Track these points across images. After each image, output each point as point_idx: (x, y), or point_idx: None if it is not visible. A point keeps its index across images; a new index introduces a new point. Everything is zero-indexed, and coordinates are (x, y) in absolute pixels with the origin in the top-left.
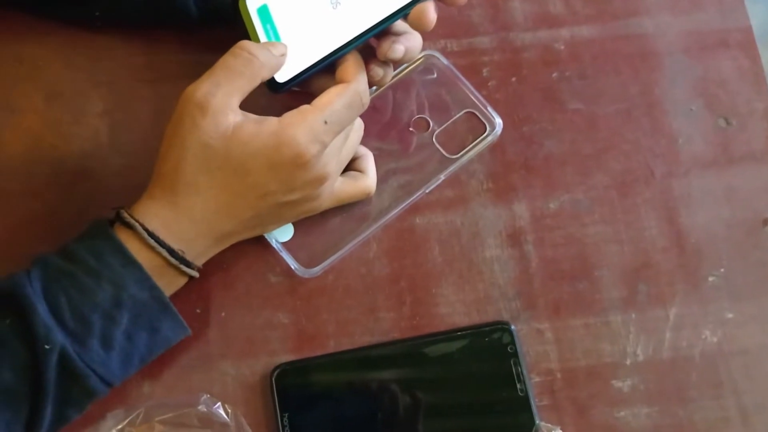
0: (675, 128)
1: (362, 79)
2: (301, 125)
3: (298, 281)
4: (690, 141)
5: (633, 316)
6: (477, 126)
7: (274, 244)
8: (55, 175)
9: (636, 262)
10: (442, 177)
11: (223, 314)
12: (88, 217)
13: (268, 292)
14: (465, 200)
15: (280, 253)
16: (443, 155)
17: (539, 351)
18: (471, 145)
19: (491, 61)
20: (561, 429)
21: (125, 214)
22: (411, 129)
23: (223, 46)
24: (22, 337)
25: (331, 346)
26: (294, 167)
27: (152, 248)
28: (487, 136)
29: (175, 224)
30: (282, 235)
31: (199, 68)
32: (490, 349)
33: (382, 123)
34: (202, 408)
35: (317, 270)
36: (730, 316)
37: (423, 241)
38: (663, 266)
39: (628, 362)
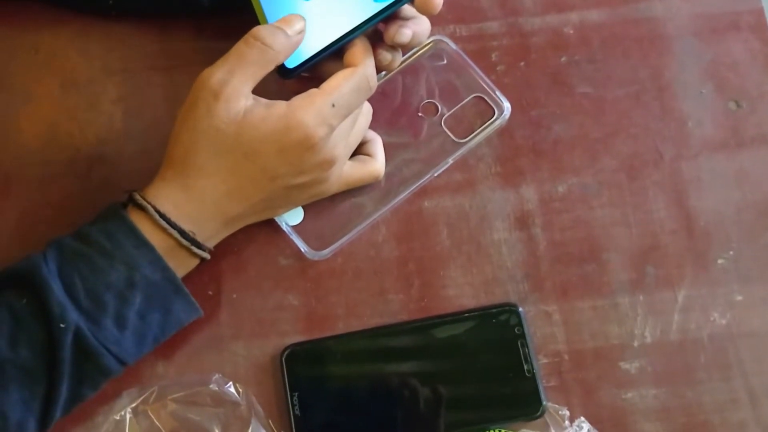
0: (685, 111)
1: (369, 63)
2: (310, 108)
3: (307, 264)
4: (700, 124)
5: (641, 298)
6: (485, 110)
7: (284, 227)
8: (71, 161)
9: (644, 245)
10: (451, 161)
11: (234, 296)
12: (104, 203)
13: (279, 274)
14: (473, 184)
15: (291, 237)
16: (452, 139)
17: (547, 333)
18: (479, 129)
19: (500, 46)
20: (568, 410)
21: (137, 196)
22: (420, 114)
23: (235, 32)
24: (39, 316)
25: (341, 328)
26: (302, 150)
27: (164, 229)
28: (495, 120)
29: (187, 206)
30: (292, 218)
31: (212, 55)
32: (497, 331)
33: (392, 108)
34: (213, 387)
35: (327, 252)
36: (739, 298)
37: (431, 224)
38: (672, 249)
39: (635, 344)
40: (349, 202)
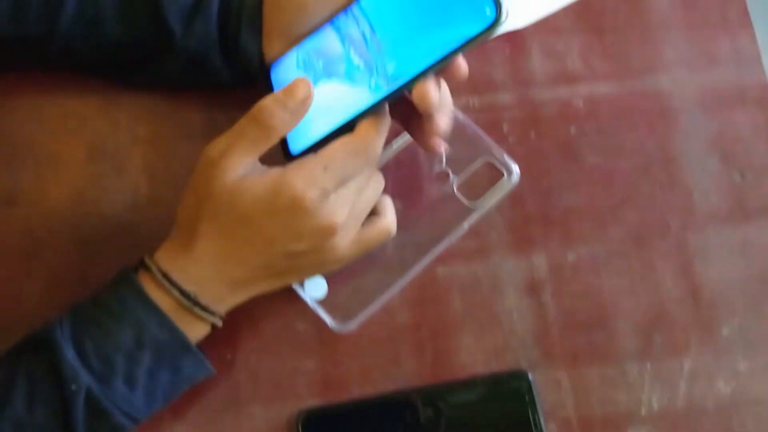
0: (691, 182)
1: (368, 130)
2: (300, 171)
3: (324, 328)
4: (706, 195)
5: (648, 366)
6: (495, 174)
7: (308, 301)
8: (96, 227)
9: (651, 313)
10: (466, 226)
11: (252, 360)
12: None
13: (296, 339)
14: (485, 251)
15: (316, 311)
16: (465, 205)
17: (556, 399)
18: (491, 193)
19: (511, 117)
20: None
21: (146, 258)
22: (433, 181)
23: (252, 102)
24: (52, 379)
25: (355, 392)
26: (293, 213)
27: (166, 290)
28: (505, 183)
29: (189, 267)
30: (315, 291)
31: (229, 125)
32: (508, 397)
33: (405, 175)
34: None
35: (353, 325)
36: (744, 367)
37: (445, 291)
38: (678, 317)
39: (643, 412)
40: (370, 272)
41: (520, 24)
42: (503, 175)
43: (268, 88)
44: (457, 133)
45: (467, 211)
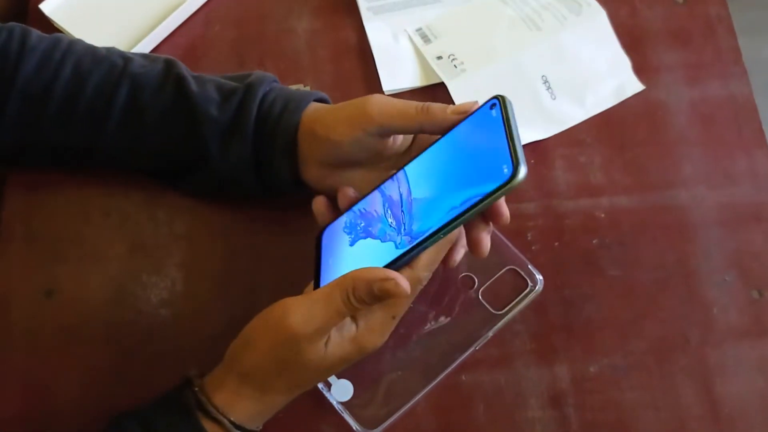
0: (710, 298)
1: (425, 265)
2: (375, 329)
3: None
4: (724, 311)
5: None
6: (519, 282)
7: (335, 405)
8: (133, 322)
9: (672, 429)
10: (490, 334)
11: None
12: (163, 363)
13: None
14: (509, 360)
15: (342, 414)
16: (490, 312)
17: None
18: (515, 301)
19: (535, 226)
20: None
21: (213, 410)
22: (458, 286)
23: (286, 204)
24: None
25: None
26: (368, 355)
27: (225, 429)
28: (529, 292)
29: (261, 415)
30: (342, 395)
31: (265, 223)
32: None
33: (433, 282)
34: None
35: (378, 430)
36: None
37: (468, 399)
38: None
39: None
40: (396, 376)
41: (542, 135)
42: (527, 283)
43: (317, 253)
44: None
45: (492, 318)
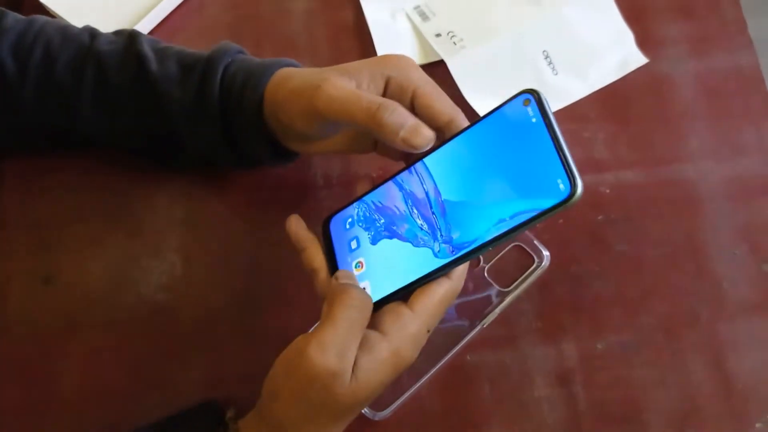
0: (719, 272)
1: (461, 280)
2: (409, 343)
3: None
4: (735, 285)
5: None
6: (525, 259)
7: None
8: (133, 307)
9: (683, 407)
10: (497, 311)
11: None
12: (163, 348)
13: None
14: (514, 339)
15: None
16: (497, 289)
17: None
18: (522, 278)
19: None
20: None
21: None
22: None
23: (293, 184)
24: None
25: None
26: (402, 372)
27: None
28: (536, 268)
29: None
30: None
31: (270, 206)
32: None
33: None
34: None
35: (387, 413)
36: None
37: (474, 379)
38: (710, 411)
39: None
40: None
41: None
42: (534, 260)
43: (326, 239)
44: None
45: (498, 296)
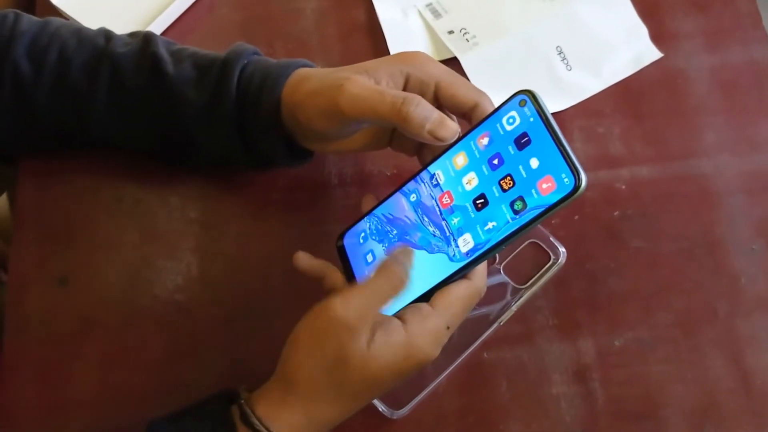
0: (737, 268)
1: (482, 278)
2: (427, 335)
3: (371, 414)
4: (753, 281)
5: None
6: (541, 256)
7: None
8: (149, 308)
9: (702, 403)
10: (514, 307)
11: None
12: (180, 348)
13: (342, 425)
14: (531, 336)
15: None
16: (513, 286)
17: None
18: (538, 274)
19: None
20: None
21: (256, 422)
22: None
23: (306, 184)
24: None
25: None
26: (416, 369)
27: None
28: (552, 264)
29: (304, 429)
30: None
31: (285, 206)
32: None
33: None
34: None
35: (405, 411)
36: None
37: (491, 376)
38: (729, 407)
39: None
40: None
41: (559, 107)
42: (550, 256)
43: (342, 255)
44: None
45: (514, 293)
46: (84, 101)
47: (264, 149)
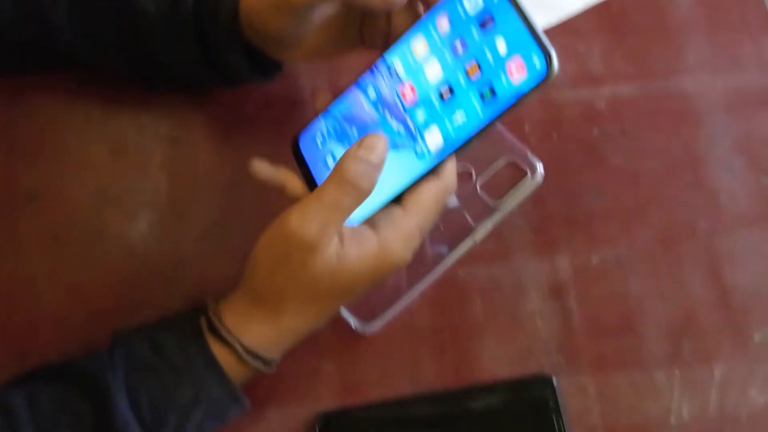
0: (717, 185)
1: (452, 175)
2: (399, 240)
3: (343, 330)
4: (733, 198)
5: (677, 373)
6: (519, 173)
7: None
8: (117, 224)
9: (680, 318)
10: (490, 226)
11: None
12: (148, 264)
13: (314, 341)
14: (507, 253)
15: (340, 313)
16: (489, 204)
17: (582, 406)
18: (515, 192)
19: (533, 118)
20: None
21: (224, 333)
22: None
23: (276, 101)
24: (101, 427)
25: (374, 395)
26: (392, 274)
27: (248, 363)
28: (530, 181)
29: (276, 342)
30: None
31: (256, 124)
32: (531, 403)
33: None
34: None
35: (376, 326)
36: None
37: (466, 293)
38: (707, 323)
39: (672, 421)
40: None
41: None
42: (527, 173)
43: (299, 160)
44: None
45: (490, 211)
46: (47, 12)
47: (227, 62)
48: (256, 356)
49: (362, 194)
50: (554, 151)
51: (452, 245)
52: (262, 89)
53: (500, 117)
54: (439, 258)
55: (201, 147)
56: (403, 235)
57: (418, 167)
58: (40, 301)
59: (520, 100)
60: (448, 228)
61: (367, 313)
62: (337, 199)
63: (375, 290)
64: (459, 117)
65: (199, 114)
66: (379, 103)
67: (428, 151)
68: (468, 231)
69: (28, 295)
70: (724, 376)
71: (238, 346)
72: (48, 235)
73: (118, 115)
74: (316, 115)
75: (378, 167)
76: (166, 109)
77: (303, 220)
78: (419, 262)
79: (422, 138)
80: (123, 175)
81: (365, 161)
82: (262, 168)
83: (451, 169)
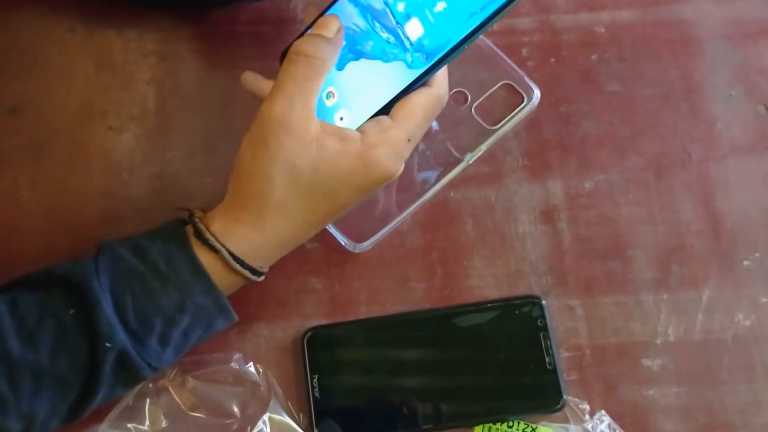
0: (714, 113)
1: (443, 85)
2: (386, 146)
3: (332, 248)
4: (729, 126)
5: (665, 296)
6: (515, 97)
7: None
8: (102, 138)
9: (670, 244)
10: (484, 148)
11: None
12: (133, 177)
13: (303, 257)
14: (500, 176)
15: (330, 231)
16: (483, 127)
17: (569, 327)
18: (510, 115)
19: (531, 42)
20: (588, 404)
21: (209, 237)
22: (450, 102)
23: (268, 17)
24: (85, 332)
25: (363, 313)
26: (380, 185)
27: (234, 270)
28: (525, 105)
29: (262, 248)
30: None
31: (244, 39)
32: (520, 322)
33: None
34: (234, 366)
35: (367, 245)
36: (765, 300)
37: (457, 215)
38: (697, 249)
39: (658, 342)
40: (385, 192)
41: None
42: (523, 98)
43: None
44: (476, 55)
45: (485, 134)
46: None
47: None
48: (242, 263)
49: (318, 62)
50: (551, 75)
51: (444, 167)
52: (253, 7)
53: (492, 19)
54: (430, 179)
55: (189, 63)
56: (390, 143)
57: (409, 77)
58: (22, 213)
59: (507, 4)
60: (440, 149)
61: (357, 234)
62: (292, 71)
63: (366, 210)
64: (451, 23)
65: (188, 30)
66: (369, 13)
67: (419, 59)
68: (460, 153)
69: (10, 206)
70: (711, 301)
71: (224, 251)
72: (31, 149)
73: (104, 29)
74: (303, 27)
75: (331, 41)
76: (153, 24)
77: (269, 101)
78: (410, 183)
79: (413, 48)
80: (109, 89)
81: (316, 35)
82: (253, 79)
83: (442, 78)
